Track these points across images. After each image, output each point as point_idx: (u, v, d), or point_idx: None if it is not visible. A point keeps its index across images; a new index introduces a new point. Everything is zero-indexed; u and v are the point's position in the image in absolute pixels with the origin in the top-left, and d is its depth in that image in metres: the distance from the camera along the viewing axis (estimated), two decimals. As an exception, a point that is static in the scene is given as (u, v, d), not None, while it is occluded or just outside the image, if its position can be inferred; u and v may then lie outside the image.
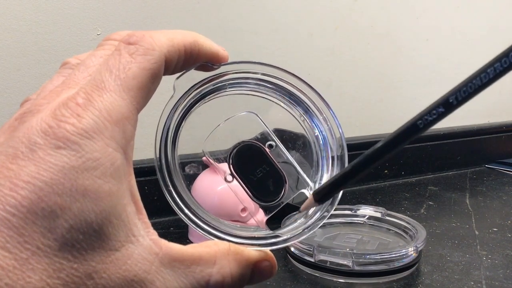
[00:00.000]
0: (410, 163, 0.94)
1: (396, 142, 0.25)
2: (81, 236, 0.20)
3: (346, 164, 0.29)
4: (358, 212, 0.67)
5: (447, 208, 0.78)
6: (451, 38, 0.99)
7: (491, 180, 0.94)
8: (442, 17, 0.97)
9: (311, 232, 0.28)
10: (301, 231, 0.28)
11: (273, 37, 0.80)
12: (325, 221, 0.28)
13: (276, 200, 0.30)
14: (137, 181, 0.23)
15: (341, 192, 0.29)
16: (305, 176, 0.30)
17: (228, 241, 0.26)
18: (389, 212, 0.66)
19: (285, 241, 0.28)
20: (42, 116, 0.21)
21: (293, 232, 0.28)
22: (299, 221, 0.29)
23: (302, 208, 0.28)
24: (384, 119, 0.94)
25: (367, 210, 0.67)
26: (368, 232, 0.64)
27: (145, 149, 0.65)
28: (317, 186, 0.30)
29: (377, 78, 0.92)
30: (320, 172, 0.30)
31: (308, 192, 0.30)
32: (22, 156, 0.20)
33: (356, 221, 0.67)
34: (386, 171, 0.92)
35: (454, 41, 1.00)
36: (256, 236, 0.28)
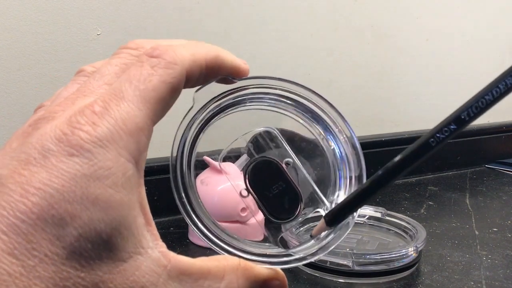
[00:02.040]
0: (410, 163, 0.94)
1: (407, 162, 0.24)
2: (89, 245, 0.20)
3: None
4: (358, 212, 0.67)
5: (447, 208, 0.78)
6: (451, 38, 0.99)
7: (491, 180, 0.94)
8: (442, 17, 0.97)
9: (325, 252, 0.28)
10: (314, 251, 0.28)
11: (273, 37, 0.80)
12: (339, 242, 0.28)
13: (291, 218, 0.29)
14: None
15: (356, 214, 0.28)
16: (321, 195, 0.29)
17: (238, 256, 0.26)
18: (389, 212, 0.66)
19: (297, 260, 0.27)
20: (57, 123, 0.21)
21: (306, 251, 0.28)
22: (312, 241, 0.28)
23: (314, 233, 0.28)
24: (384, 119, 0.94)
25: (367, 210, 0.67)
26: (368, 232, 0.64)
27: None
28: (333, 205, 0.29)
29: (377, 78, 0.92)
30: (337, 191, 0.29)
31: (323, 212, 0.29)
32: (34, 162, 0.20)
33: (356, 221, 0.66)
34: (386, 171, 0.91)
35: (454, 41, 1.00)
36: (268, 253, 0.28)
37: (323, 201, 0.29)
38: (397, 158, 0.24)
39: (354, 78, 0.90)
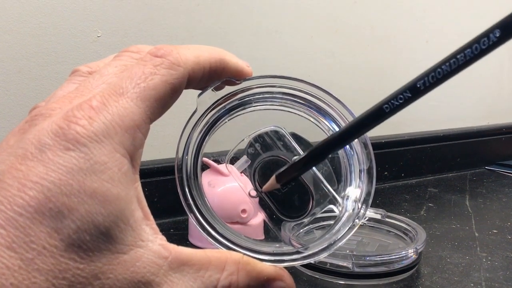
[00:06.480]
0: (410, 164, 0.94)
1: (360, 126, 0.24)
2: (88, 237, 0.20)
3: (374, 178, 0.28)
4: (366, 213, 0.67)
5: (447, 210, 0.78)
6: (451, 40, 0.99)
7: (491, 182, 0.94)
8: (442, 19, 0.98)
9: (333, 249, 0.28)
10: (322, 247, 0.28)
11: (273, 39, 0.80)
12: (346, 239, 0.28)
13: (302, 217, 0.29)
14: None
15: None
16: (332, 191, 0.29)
17: (242, 253, 0.26)
18: (389, 213, 0.66)
19: (304, 258, 0.28)
20: (54, 119, 0.21)
21: (314, 249, 0.28)
22: (319, 240, 0.28)
23: (264, 189, 0.28)
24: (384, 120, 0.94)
25: (367, 212, 0.67)
26: (368, 234, 0.64)
27: (145, 150, 0.65)
28: (345, 201, 0.29)
29: (377, 80, 0.92)
30: (348, 186, 0.29)
31: (336, 208, 0.29)
32: (31, 156, 0.20)
33: (356, 223, 0.66)
34: (386, 172, 0.92)
35: (454, 43, 0.99)
36: (274, 252, 0.27)
37: (334, 198, 0.29)
38: (353, 120, 0.24)
39: (354, 79, 0.90)
